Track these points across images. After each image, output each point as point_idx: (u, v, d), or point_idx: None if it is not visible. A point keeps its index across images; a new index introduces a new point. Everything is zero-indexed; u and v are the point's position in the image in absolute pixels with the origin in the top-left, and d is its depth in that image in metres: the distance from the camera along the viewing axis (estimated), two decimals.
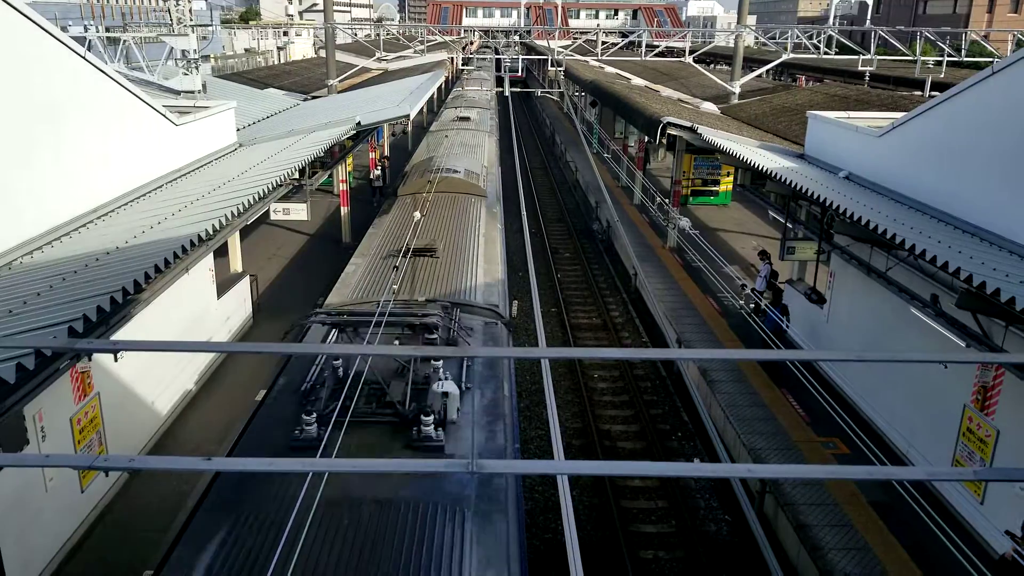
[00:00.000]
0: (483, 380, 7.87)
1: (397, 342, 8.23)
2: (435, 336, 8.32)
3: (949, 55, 35.02)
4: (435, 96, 42.72)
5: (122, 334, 10.31)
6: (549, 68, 38.25)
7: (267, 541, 5.30)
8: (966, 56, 37.80)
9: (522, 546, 5.83)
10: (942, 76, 33.17)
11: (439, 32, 51.65)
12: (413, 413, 6.80)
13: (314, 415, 6.64)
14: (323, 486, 5.50)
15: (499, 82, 39.34)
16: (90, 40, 22.48)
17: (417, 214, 13.25)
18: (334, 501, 5.64)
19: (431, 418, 6.64)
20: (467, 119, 26.60)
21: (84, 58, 11.63)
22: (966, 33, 41.42)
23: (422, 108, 29.72)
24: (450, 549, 5.38)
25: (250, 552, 5.24)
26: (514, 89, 35.84)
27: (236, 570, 5.07)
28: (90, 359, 10.23)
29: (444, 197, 15.36)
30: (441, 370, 7.34)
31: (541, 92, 53.70)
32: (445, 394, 6.91)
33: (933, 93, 26.63)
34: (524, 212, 19.14)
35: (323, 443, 6.29)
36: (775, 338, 15.03)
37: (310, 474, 5.49)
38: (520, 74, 36.96)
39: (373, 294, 10.05)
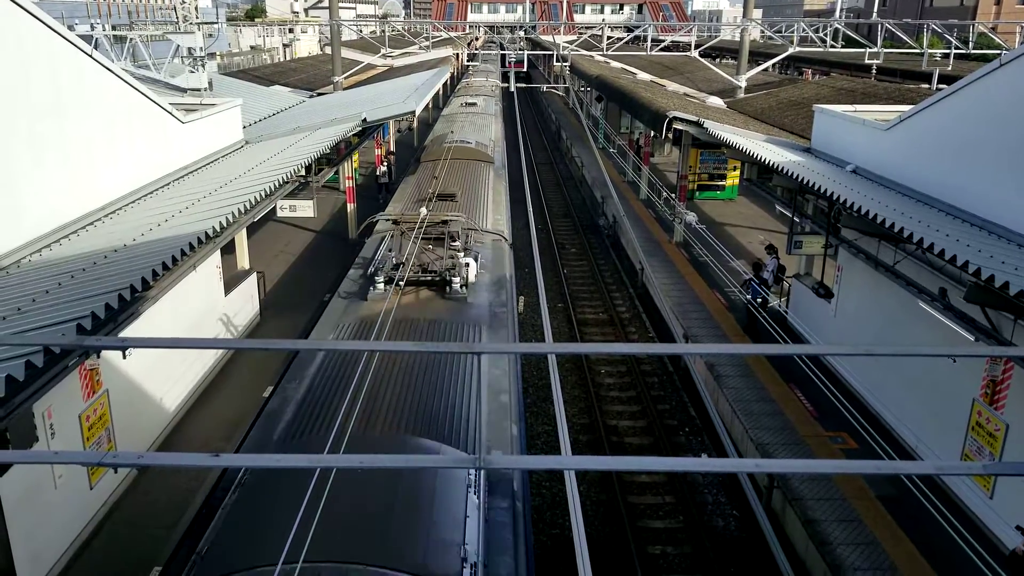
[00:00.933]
0: (491, 267, 11.62)
1: (431, 246, 11.53)
2: (457, 243, 11.50)
3: (956, 48, 34.79)
4: (440, 92, 42.79)
5: (130, 331, 10.36)
6: (554, 63, 38.14)
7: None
8: (974, 48, 37.49)
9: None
10: (949, 69, 32.94)
11: (444, 28, 51.60)
12: (447, 277, 10.17)
13: (383, 278, 10.05)
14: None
15: (504, 77, 39.37)
16: (97, 38, 22.54)
17: (438, 172, 16.28)
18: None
19: (458, 279, 10.13)
20: (475, 104, 29.83)
21: (91, 56, 11.65)
22: (974, 25, 41.16)
23: (428, 104, 29.76)
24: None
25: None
26: (519, 85, 35.77)
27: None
28: (99, 356, 10.26)
29: (459, 162, 18.17)
30: (462, 255, 10.83)
31: (547, 88, 53.61)
32: (467, 264, 10.48)
33: (940, 86, 26.47)
34: (530, 208, 19.12)
35: (389, 295, 9.60)
36: (758, 308, 16.11)
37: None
38: (523, 67, 36.91)
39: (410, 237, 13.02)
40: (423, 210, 12.19)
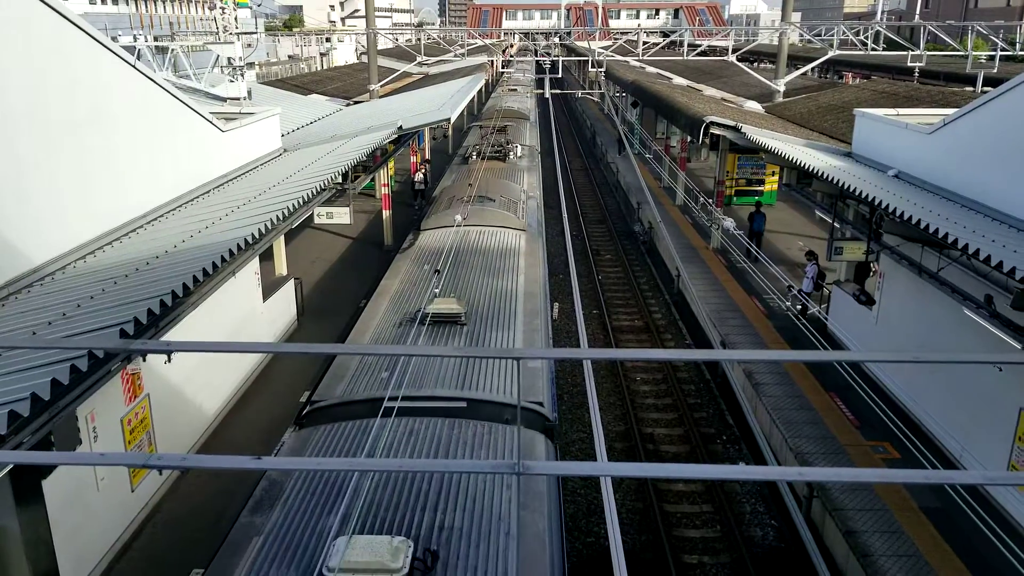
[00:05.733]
0: (527, 154, 22.71)
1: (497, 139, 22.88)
2: (502, 150, 21.36)
3: (1003, 49, 34.00)
4: (476, 99, 43.36)
5: (171, 336, 10.50)
6: (589, 69, 38.25)
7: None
8: (1021, 50, 36.65)
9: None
10: (995, 71, 32.21)
11: (479, 35, 51.76)
12: (506, 153, 21.22)
13: (476, 153, 21.22)
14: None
15: (539, 84, 39.88)
16: (139, 49, 22.98)
17: (495, 121, 26.70)
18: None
19: (512, 154, 21.46)
20: (516, 90, 42.27)
21: (134, 67, 11.89)
22: (1021, 26, 40.22)
23: (463, 111, 30.39)
24: (515, 256, 12.50)
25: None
26: (555, 91, 35.89)
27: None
28: (144, 359, 10.44)
29: (508, 118, 28.75)
30: (513, 143, 22.49)
31: (581, 93, 53.57)
32: (516, 146, 22.22)
33: (986, 89, 25.90)
34: (565, 214, 19.11)
35: (478, 161, 20.05)
36: (756, 241, 21.48)
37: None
38: (558, 74, 37.26)
39: (485, 140, 23.06)
40: (495, 121, 25.70)
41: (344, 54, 68.96)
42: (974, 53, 34.15)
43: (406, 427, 6.84)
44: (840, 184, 13.63)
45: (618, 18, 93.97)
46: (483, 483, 6.14)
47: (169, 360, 11.06)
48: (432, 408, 7.15)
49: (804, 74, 37.13)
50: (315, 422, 7.26)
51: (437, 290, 9.76)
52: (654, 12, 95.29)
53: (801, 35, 40.49)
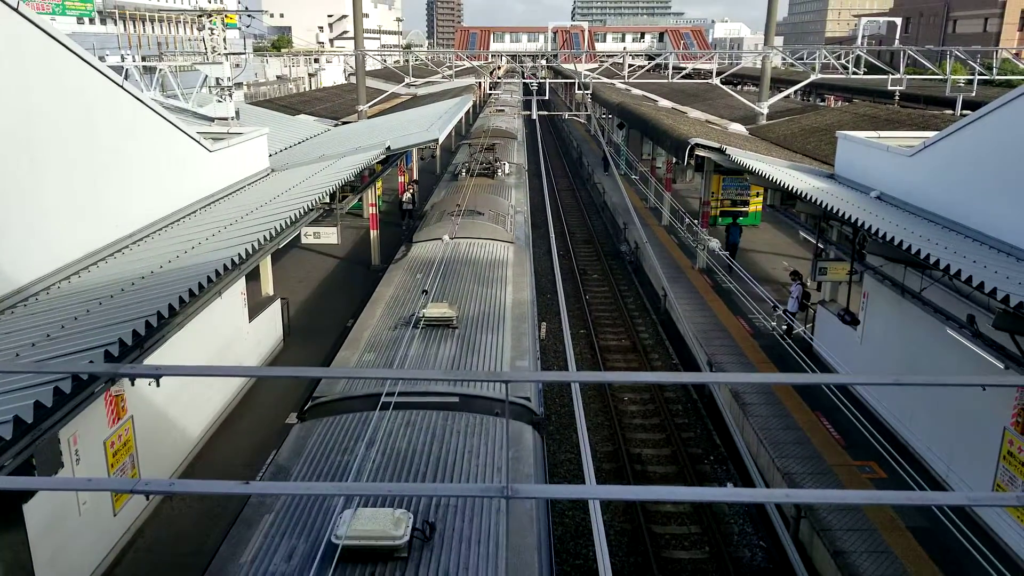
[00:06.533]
0: (514, 172, 23.04)
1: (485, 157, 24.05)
2: (491, 167, 22.02)
3: (980, 73, 34.54)
4: (464, 119, 43.67)
5: (156, 357, 10.43)
6: (576, 91, 38.63)
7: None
8: (997, 74, 37.30)
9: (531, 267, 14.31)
10: (973, 95, 32.73)
11: (467, 58, 52.04)
12: (495, 170, 21.71)
13: (465, 170, 21.79)
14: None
15: (526, 105, 40.00)
16: (127, 69, 23.00)
17: (484, 140, 28.21)
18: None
19: (500, 171, 21.86)
20: (503, 110, 43.16)
21: (121, 86, 11.89)
22: (997, 51, 40.93)
23: (451, 131, 30.71)
24: (503, 267, 12.85)
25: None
26: (542, 112, 36.12)
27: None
28: (133, 383, 10.34)
29: (496, 137, 29.82)
30: (501, 161, 23.02)
31: (568, 115, 53.92)
32: (504, 164, 22.77)
33: (964, 112, 26.30)
34: (552, 234, 19.19)
35: (467, 178, 20.73)
36: (731, 253, 21.95)
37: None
38: (545, 96, 37.57)
39: (474, 158, 23.91)
40: (483, 140, 26.63)
41: (332, 75, 69.23)
42: (953, 77, 34.65)
43: (403, 419, 7.39)
44: (823, 205, 13.76)
45: (604, 41, 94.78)
46: (476, 465, 6.66)
47: (159, 383, 10.97)
48: (427, 402, 7.79)
49: (787, 97, 37.58)
50: (317, 415, 7.80)
51: (426, 309, 10.10)
52: (639, 36, 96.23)
53: (784, 59, 41.00)
